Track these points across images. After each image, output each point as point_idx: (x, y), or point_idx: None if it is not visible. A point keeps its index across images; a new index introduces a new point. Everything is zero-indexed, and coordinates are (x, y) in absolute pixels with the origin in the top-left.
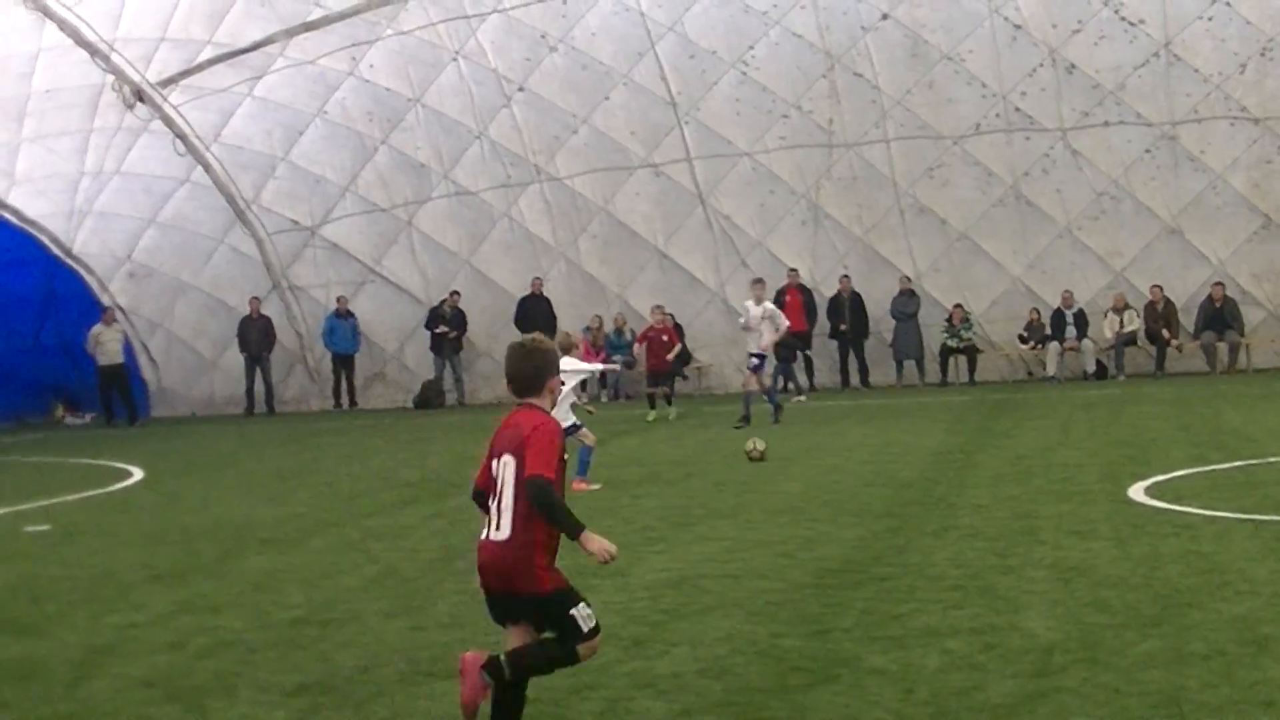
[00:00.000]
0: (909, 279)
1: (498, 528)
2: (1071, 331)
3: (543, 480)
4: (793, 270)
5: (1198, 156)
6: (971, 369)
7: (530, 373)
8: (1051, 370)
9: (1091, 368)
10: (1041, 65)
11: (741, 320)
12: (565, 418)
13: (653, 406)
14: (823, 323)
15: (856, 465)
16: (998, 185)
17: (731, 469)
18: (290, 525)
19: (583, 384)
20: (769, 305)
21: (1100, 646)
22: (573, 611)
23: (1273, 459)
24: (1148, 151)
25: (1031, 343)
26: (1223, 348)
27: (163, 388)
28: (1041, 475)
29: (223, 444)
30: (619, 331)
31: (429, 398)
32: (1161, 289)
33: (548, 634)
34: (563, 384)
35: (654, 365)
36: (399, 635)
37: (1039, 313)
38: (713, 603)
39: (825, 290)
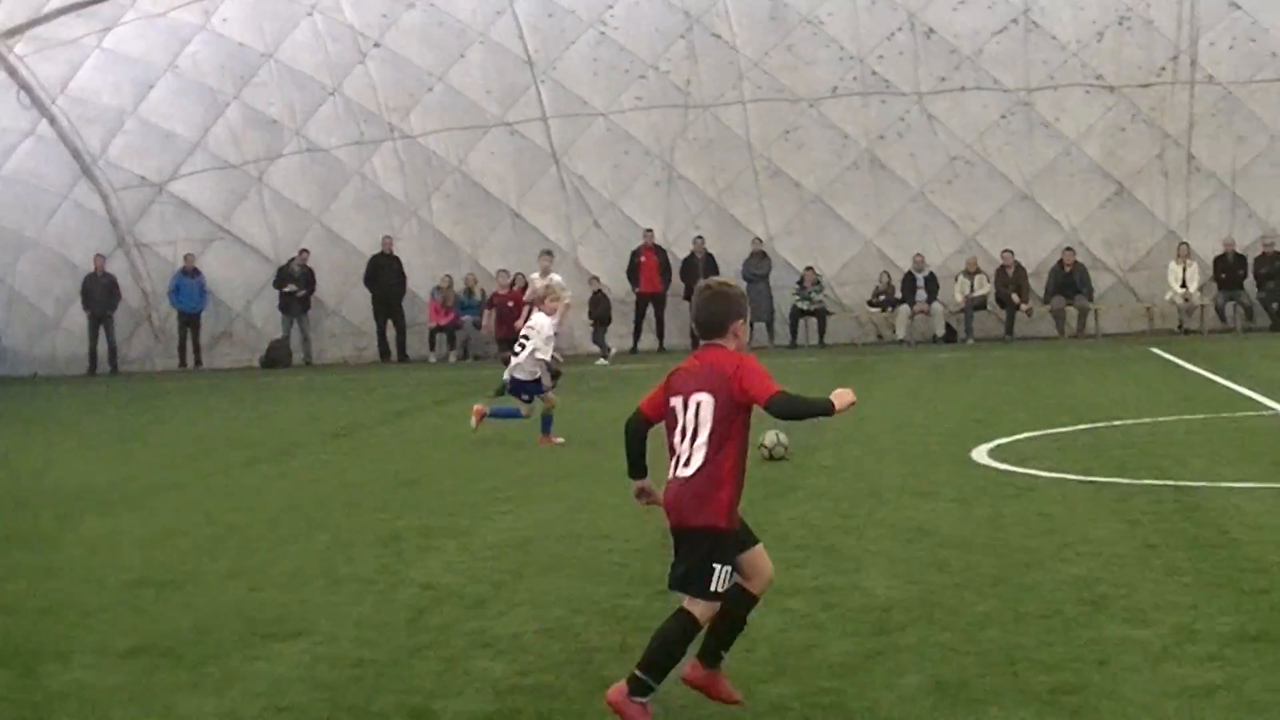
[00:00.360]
0: (761, 241)
1: (686, 464)
2: (922, 295)
3: (780, 395)
4: (648, 230)
5: (1052, 123)
6: (821, 331)
7: (717, 314)
8: (901, 333)
9: (941, 331)
10: (900, 29)
11: (527, 293)
12: (532, 373)
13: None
14: (676, 284)
15: None
16: (852, 148)
17: (577, 430)
18: (131, 486)
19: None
20: (555, 278)
21: (939, 606)
22: (716, 564)
23: (1117, 422)
24: (1003, 117)
25: (881, 305)
26: (1072, 313)
27: (3, 346)
28: (887, 437)
29: (63, 404)
30: (469, 292)
31: (276, 357)
32: (1013, 254)
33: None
34: (525, 339)
35: (503, 332)
36: (238, 596)
37: (889, 276)
38: (555, 563)
39: (678, 251)
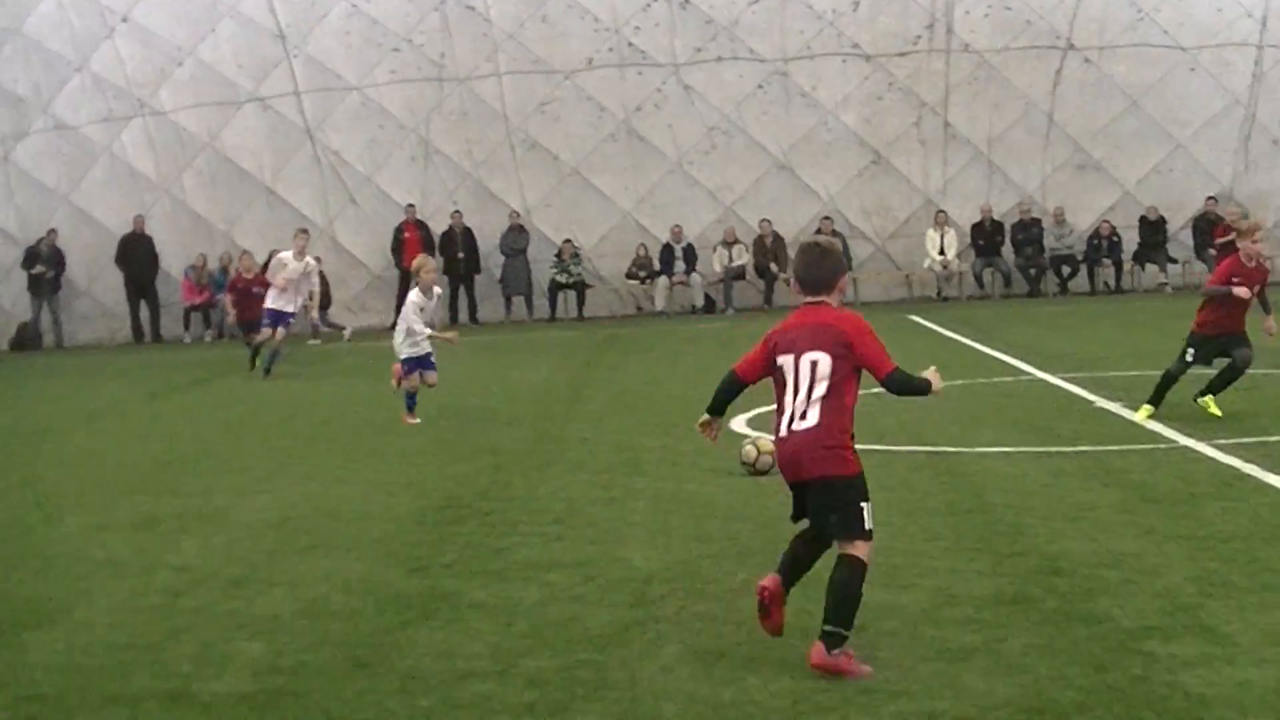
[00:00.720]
0: (519, 214)
1: (803, 417)
2: (680, 266)
3: (898, 373)
4: (410, 206)
5: (809, 92)
6: (580, 304)
7: (826, 270)
8: (660, 305)
9: (700, 302)
10: (656, 0)
11: (270, 271)
12: (416, 349)
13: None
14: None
15: (464, 402)
16: (609, 120)
17: (337, 410)
18: None
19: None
20: (311, 260)
21: (698, 576)
22: (863, 504)
23: (875, 390)
24: (760, 87)
25: (640, 277)
26: None
27: None
28: (646, 408)
29: None
30: (224, 271)
31: (26, 339)
32: (770, 223)
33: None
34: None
35: (247, 316)
36: None
37: (647, 248)
38: (314, 542)
39: (436, 226)
